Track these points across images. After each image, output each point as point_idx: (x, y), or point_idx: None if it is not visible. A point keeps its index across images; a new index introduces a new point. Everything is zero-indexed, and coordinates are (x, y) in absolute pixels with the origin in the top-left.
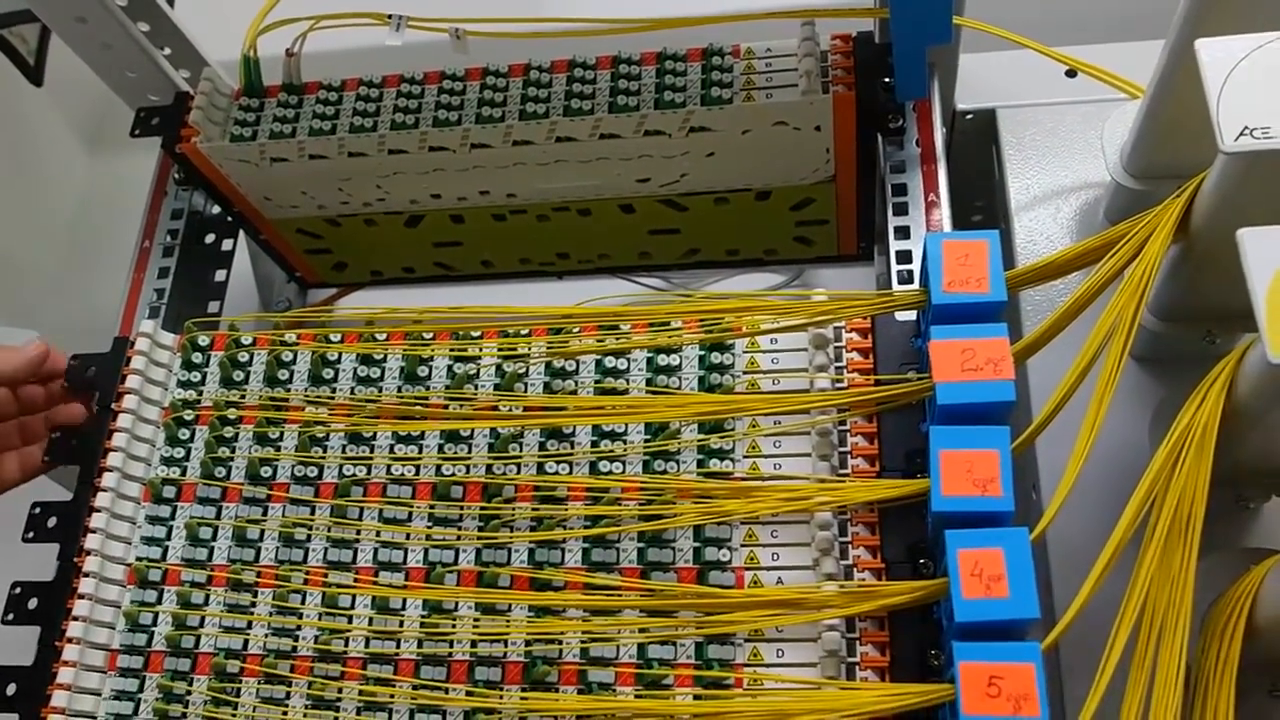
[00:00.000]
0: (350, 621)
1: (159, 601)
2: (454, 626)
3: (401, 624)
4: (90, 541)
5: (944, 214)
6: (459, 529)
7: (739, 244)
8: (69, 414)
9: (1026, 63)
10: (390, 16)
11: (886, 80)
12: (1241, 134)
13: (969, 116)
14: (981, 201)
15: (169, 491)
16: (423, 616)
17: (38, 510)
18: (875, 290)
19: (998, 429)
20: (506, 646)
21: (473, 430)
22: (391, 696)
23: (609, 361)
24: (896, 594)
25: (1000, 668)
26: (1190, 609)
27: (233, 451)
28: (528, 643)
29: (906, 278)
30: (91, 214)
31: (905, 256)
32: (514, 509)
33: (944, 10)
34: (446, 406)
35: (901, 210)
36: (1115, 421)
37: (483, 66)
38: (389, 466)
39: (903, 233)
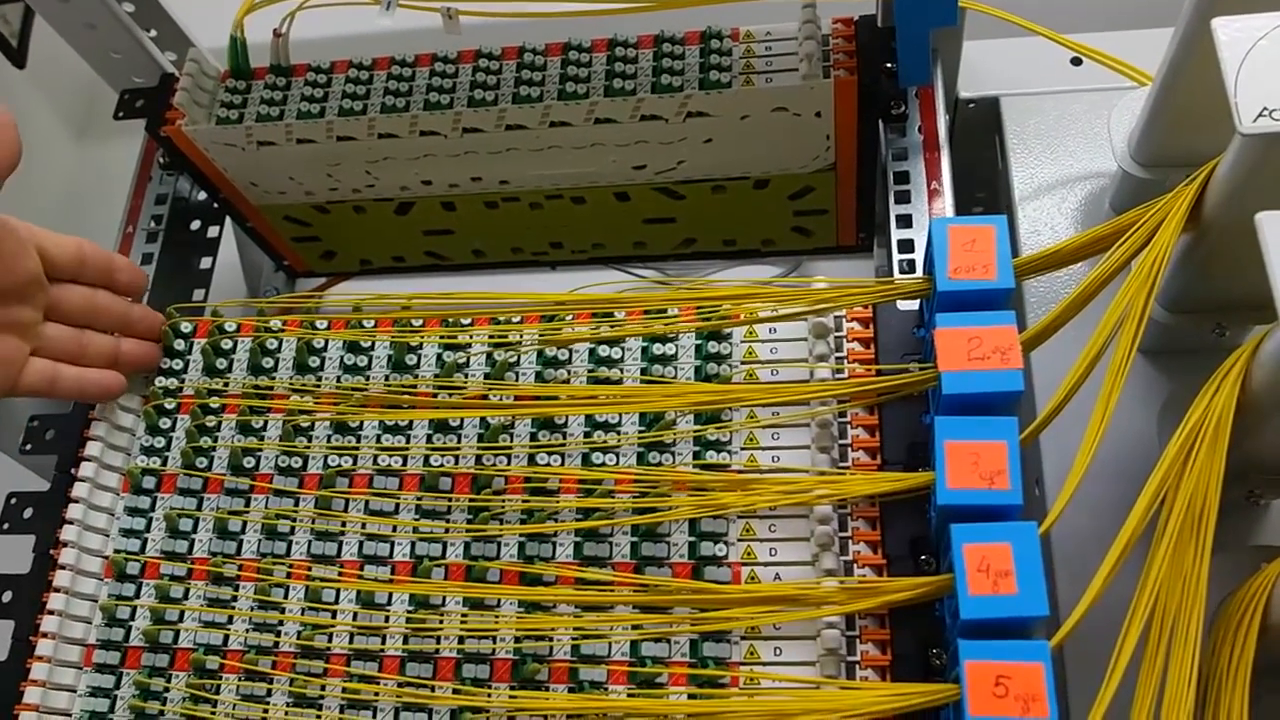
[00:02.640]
0: (334, 616)
1: (137, 595)
2: (441, 622)
3: (387, 619)
4: (67, 533)
5: (947, 202)
6: (447, 521)
7: (736, 234)
8: (143, 324)
9: (1030, 50)
10: None
11: (889, 65)
12: (1260, 115)
13: (971, 104)
14: (983, 192)
15: (148, 482)
16: (409, 611)
17: (13, 500)
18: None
19: (1005, 420)
20: (495, 643)
21: (462, 420)
22: (376, 694)
23: (603, 350)
24: (899, 590)
25: (1008, 667)
26: (1203, 609)
27: (215, 441)
28: (517, 639)
29: (908, 267)
30: (77, 199)
31: (907, 246)
32: (504, 501)
33: None
34: (435, 395)
35: (903, 199)
36: (1120, 414)
37: (475, 49)
38: (375, 457)
39: (904, 221)
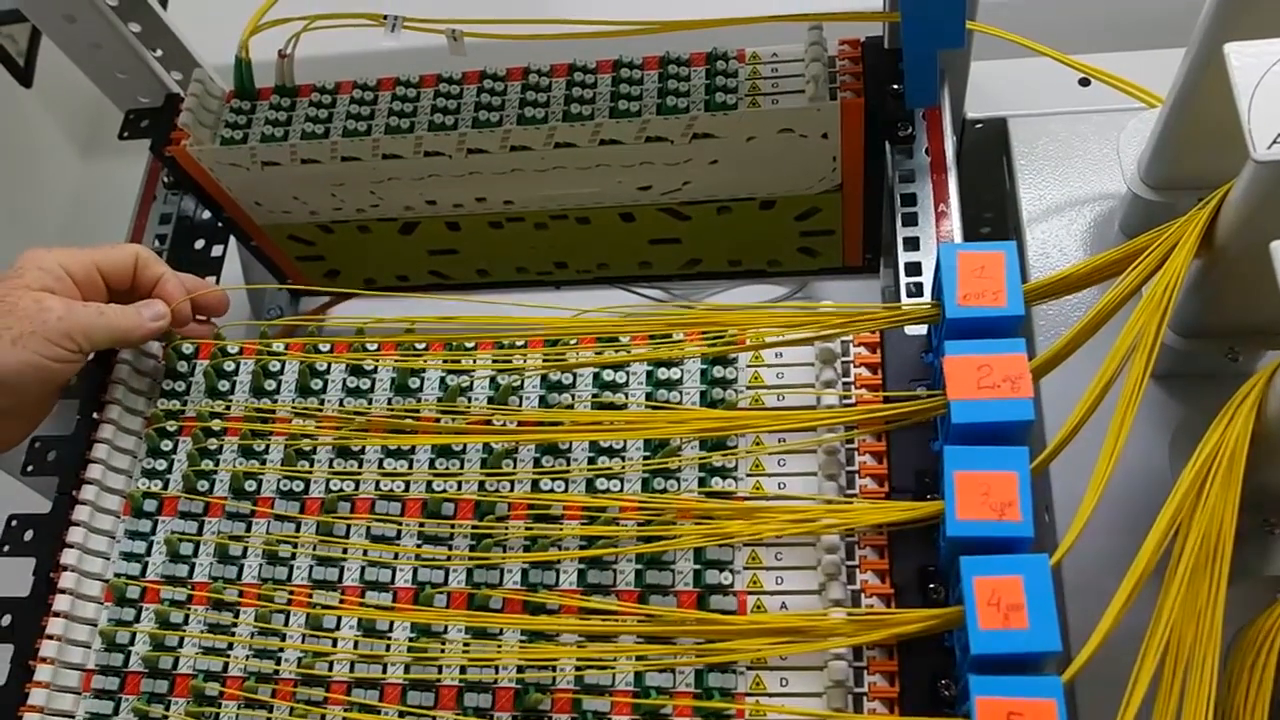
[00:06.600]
0: (335, 644)
1: (137, 620)
2: (443, 650)
3: (388, 647)
4: (67, 556)
5: (954, 224)
6: (449, 548)
7: (741, 254)
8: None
9: (1038, 71)
10: (385, 17)
11: (896, 87)
12: (1275, 141)
13: (979, 126)
14: (990, 214)
15: (149, 505)
16: (410, 639)
17: (13, 523)
18: (883, 303)
19: (1016, 450)
20: (497, 672)
21: (465, 445)
22: None
23: (607, 375)
24: (908, 622)
25: (1020, 703)
26: (1219, 643)
27: (216, 464)
28: (520, 669)
29: (915, 290)
30: (82, 218)
31: (914, 268)
32: (507, 528)
33: (956, 14)
34: (438, 420)
35: (910, 221)
36: (1131, 441)
37: (480, 70)
38: (378, 482)
39: (912, 244)
